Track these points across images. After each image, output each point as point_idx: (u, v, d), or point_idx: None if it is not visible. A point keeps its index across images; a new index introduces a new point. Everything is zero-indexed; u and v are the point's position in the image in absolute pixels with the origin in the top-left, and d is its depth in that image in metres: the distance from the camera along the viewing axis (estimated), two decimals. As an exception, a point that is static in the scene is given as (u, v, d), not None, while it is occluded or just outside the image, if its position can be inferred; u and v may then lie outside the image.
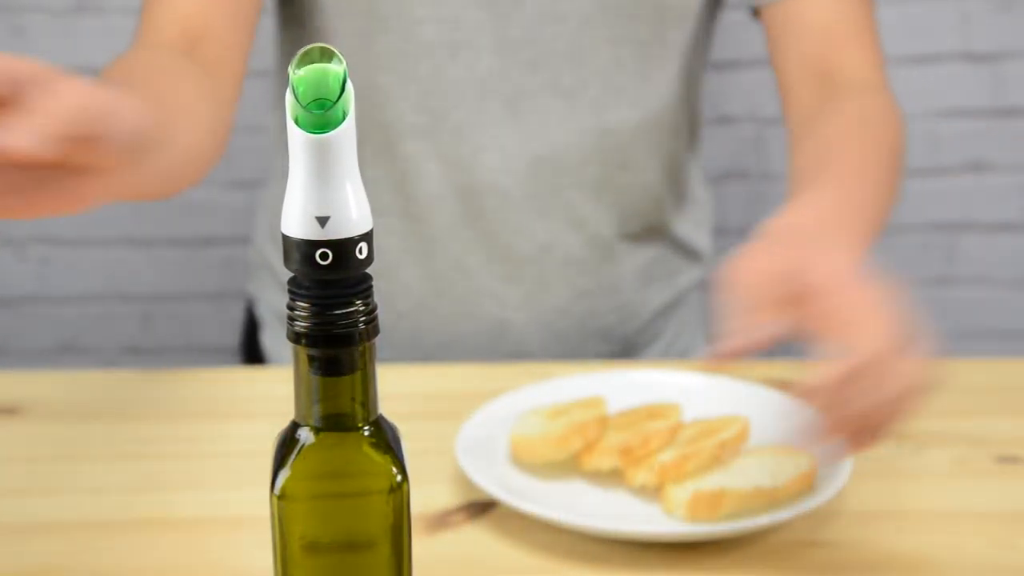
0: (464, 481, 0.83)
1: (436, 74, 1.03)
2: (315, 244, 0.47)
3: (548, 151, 1.05)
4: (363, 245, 0.48)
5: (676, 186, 1.14)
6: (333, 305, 0.48)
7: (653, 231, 1.14)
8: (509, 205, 1.06)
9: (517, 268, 1.08)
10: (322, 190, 0.47)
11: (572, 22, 1.02)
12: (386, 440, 0.51)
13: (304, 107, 0.47)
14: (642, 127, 1.07)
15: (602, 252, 1.10)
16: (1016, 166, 1.93)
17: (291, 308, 0.49)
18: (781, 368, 1.03)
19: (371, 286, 0.49)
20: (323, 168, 0.47)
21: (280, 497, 0.50)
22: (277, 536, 0.51)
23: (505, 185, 1.06)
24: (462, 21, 1.01)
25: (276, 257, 1.15)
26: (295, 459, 0.51)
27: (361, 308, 0.49)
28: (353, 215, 0.48)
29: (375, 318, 0.49)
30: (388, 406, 0.53)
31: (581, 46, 1.03)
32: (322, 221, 0.47)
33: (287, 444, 0.51)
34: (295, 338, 0.49)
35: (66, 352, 2.01)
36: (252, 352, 1.22)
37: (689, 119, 1.13)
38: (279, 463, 0.51)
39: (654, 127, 1.08)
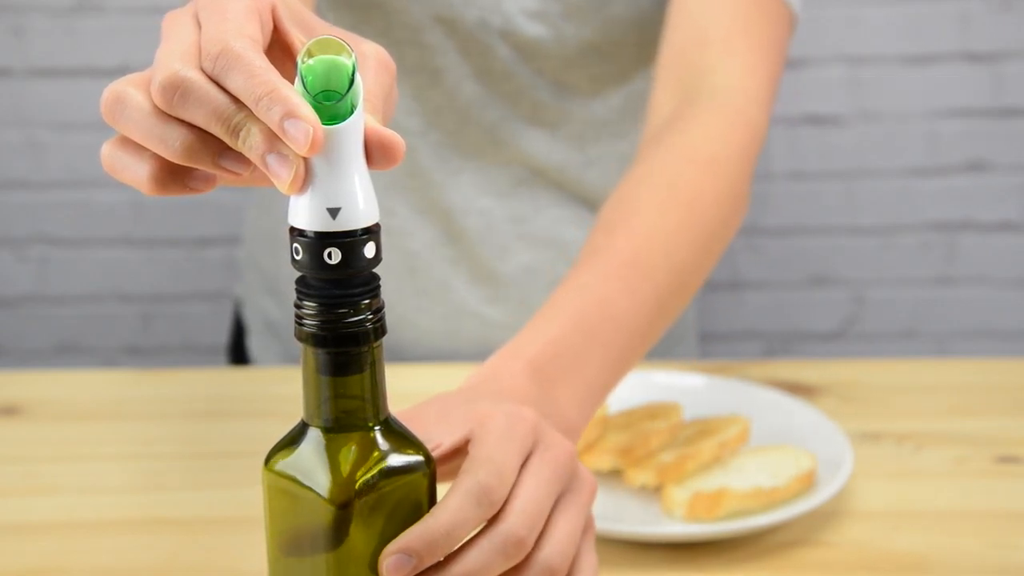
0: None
1: (417, 95, 1.03)
2: (325, 236, 0.47)
3: (528, 175, 1.06)
4: (372, 243, 0.48)
5: None
6: (340, 304, 0.48)
7: None
8: (490, 226, 1.06)
9: (501, 289, 1.08)
10: (331, 182, 0.47)
11: (555, 60, 1.02)
12: (396, 439, 0.51)
13: (313, 97, 0.47)
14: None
15: None
16: (1016, 166, 1.93)
17: (298, 307, 0.48)
18: (781, 368, 1.03)
19: (379, 285, 0.49)
20: (332, 160, 0.47)
21: (269, 469, 0.50)
22: (266, 510, 0.51)
23: (484, 206, 1.06)
24: (444, 50, 1.02)
25: (264, 257, 1.15)
26: (290, 442, 0.51)
27: (369, 307, 0.48)
28: (362, 207, 0.47)
29: (382, 317, 0.49)
30: (390, 407, 0.52)
31: (564, 82, 1.03)
32: (333, 212, 0.47)
33: (292, 435, 0.51)
34: (303, 338, 0.49)
35: (66, 352, 2.01)
36: (239, 355, 1.22)
37: None
38: (278, 443, 0.51)
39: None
